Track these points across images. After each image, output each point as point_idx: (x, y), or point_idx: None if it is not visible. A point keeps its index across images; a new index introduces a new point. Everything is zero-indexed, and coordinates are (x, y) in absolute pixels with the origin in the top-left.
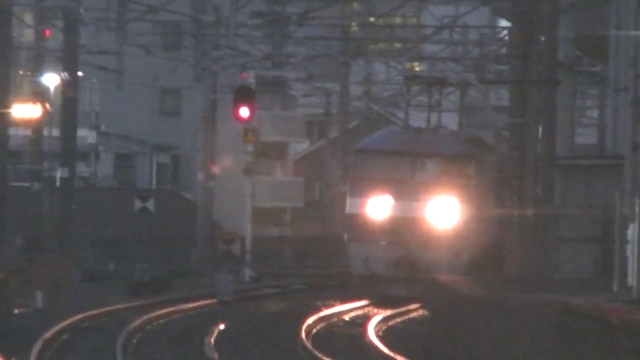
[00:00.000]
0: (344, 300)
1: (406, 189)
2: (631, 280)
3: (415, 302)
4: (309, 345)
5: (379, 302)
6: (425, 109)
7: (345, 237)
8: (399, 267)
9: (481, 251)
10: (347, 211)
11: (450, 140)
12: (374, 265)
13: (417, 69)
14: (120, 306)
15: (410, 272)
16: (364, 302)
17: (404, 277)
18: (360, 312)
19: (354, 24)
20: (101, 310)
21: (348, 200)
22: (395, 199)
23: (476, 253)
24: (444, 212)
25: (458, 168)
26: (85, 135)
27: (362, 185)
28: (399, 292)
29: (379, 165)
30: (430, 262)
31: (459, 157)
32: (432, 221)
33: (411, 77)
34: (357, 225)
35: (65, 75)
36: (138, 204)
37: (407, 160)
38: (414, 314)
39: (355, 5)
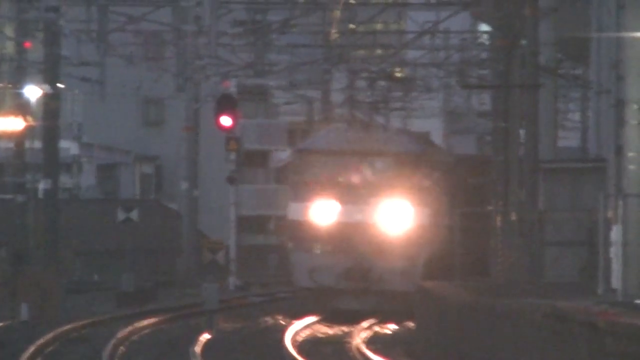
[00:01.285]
0: (292, 316)
1: (354, 192)
2: (616, 283)
3: (371, 318)
4: (294, 353)
5: (329, 318)
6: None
7: (288, 245)
8: (348, 278)
9: (439, 258)
10: (289, 217)
11: (402, 137)
12: (320, 277)
13: (398, 74)
14: (106, 317)
15: (361, 283)
16: (312, 319)
17: (355, 289)
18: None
19: (334, 31)
20: (87, 321)
21: (290, 206)
22: (343, 203)
23: (434, 260)
24: (397, 216)
25: (411, 167)
26: (68, 146)
27: (306, 189)
28: (349, 306)
29: (323, 166)
30: (383, 271)
31: (412, 155)
32: (384, 227)
33: (356, 72)
34: (301, 233)
35: (47, 87)
36: (122, 215)
37: (354, 160)
38: (401, 321)
39: (337, 12)
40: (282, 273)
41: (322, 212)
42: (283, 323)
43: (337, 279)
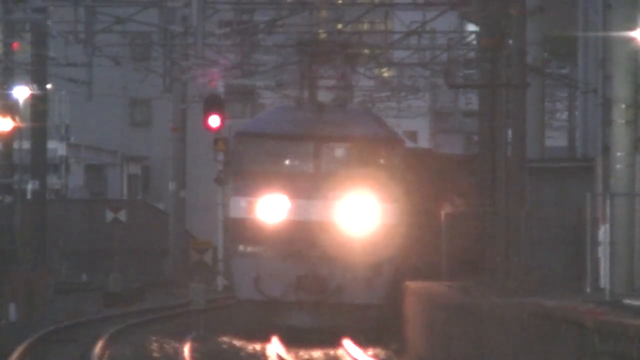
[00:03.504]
0: (242, 336)
1: (308, 185)
2: (603, 282)
3: (332, 333)
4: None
5: (285, 337)
6: (392, 113)
7: (229, 249)
8: (300, 288)
9: (411, 264)
10: (230, 215)
11: (365, 118)
12: (267, 287)
13: (385, 74)
14: (93, 317)
15: (315, 294)
16: (270, 342)
17: (308, 301)
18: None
19: (321, 31)
20: (75, 321)
21: (231, 200)
22: (294, 197)
23: (403, 267)
24: (359, 214)
25: (378, 155)
26: (56, 147)
27: (249, 181)
28: (302, 322)
29: (269, 153)
30: (342, 281)
31: (379, 140)
32: (344, 226)
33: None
34: (244, 234)
35: (34, 88)
36: (110, 215)
37: (307, 146)
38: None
39: (324, 12)
40: None
41: (269, 209)
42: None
43: (287, 290)
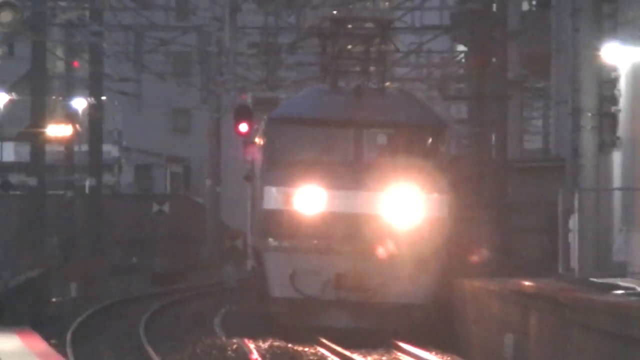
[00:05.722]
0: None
1: (347, 175)
2: (573, 264)
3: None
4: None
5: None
6: None
7: (262, 244)
8: (340, 286)
9: (456, 260)
10: (264, 206)
11: (409, 102)
12: (304, 284)
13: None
14: (142, 294)
15: (356, 293)
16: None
17: (348, 300)
18: None
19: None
20: (126, 297)
21: (265, 191)
22: (332, 188)
23: (449, 264)
24: (403, 206)
25: (424, 142)
26: (110, 150)
27: (283, 170)
28: (341, 323)
29: (305, 140)
30: (384, 279)
31: (424, 125)
32: (386, 220)
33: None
34: (278, 228)
35: (91, 99)
36: (155, 207)
37: (346, 133)
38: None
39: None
40: None
41: (306, 200)
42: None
43: (325, 288)
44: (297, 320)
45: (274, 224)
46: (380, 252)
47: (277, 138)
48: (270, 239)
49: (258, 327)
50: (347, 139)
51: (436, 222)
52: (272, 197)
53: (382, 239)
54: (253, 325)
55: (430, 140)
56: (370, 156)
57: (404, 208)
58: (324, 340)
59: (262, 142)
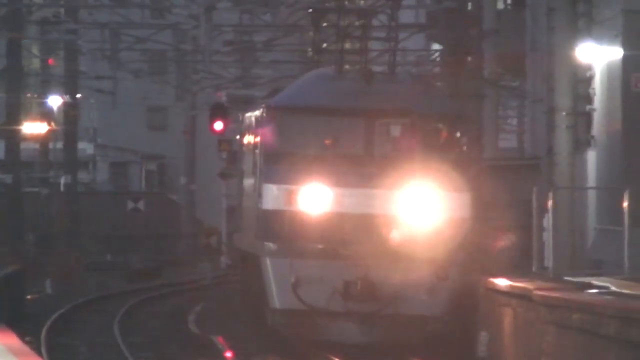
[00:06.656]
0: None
1: (357, 171)
2: (547, 262)
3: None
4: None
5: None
6: None
7: (260, 248)
8: (348, 296)
9: (478, 265)
10: (263, 207)
11: (426, 89)
12: (308, 294)
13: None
14: (117, 290)
15: (366, 304)
16: None
17: (358, 312)
18: None
19: (310, 49)
20: (102, 294)
21: (264, 189)
22: (340, 186)
23: (471, 270)
24: (420, 206)
25: (443, 134)
26: (85, 147)
27: (285, 166)
28: (349, 337)
29: (309, 131)
30: (398, 288)
31: (443, 115)
32: (401, 222)
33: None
34: (279, 230)
35: (67, 97)
36: (130, 204)
37: (356, 123)
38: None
39: (311, 34)
40: None
41: (310, 200)
42: None
43: (333, 298)
44: (300, 335)
45: (274, 226)
46: (394, 257)
47: (278, 129)
48: (270, 243)
49: (255, 342)
50: (356, 130)
51: (457, 224)
52: (272, 196)
53: (396, 243)
54: (249, 338)
55: (450, 131)
56: (383, 150)
57: (421, 208)
58: (331, 357)
59: (258, 135)
